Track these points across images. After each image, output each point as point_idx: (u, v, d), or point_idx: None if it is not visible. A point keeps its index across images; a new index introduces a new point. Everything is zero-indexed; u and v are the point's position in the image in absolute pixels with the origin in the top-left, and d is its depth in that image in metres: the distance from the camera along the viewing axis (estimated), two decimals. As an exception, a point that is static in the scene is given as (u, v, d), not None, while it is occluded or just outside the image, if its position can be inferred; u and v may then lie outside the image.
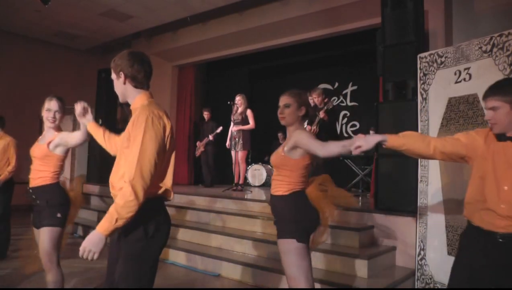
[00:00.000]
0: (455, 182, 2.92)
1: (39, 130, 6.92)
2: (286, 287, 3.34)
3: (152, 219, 1.64)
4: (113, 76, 1.81)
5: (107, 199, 5.91)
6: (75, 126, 6.83)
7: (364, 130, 7.39)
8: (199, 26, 6.92)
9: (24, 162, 7.50)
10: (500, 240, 1.64)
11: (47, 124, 2.54)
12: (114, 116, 7.50)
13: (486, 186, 1.70)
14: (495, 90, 1.71)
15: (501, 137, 1.71)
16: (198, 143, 7.18)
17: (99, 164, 6.79)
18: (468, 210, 1.80)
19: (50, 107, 2.51)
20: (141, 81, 1.77)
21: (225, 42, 7.00)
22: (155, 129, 1.62)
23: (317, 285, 3.16)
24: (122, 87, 1.79)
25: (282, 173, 2.13)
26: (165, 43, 7.66)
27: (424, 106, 3.26)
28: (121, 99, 1.85)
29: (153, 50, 7.81)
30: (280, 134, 8.08)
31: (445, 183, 3.02)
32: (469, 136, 1.81)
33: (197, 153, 7.18)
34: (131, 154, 1.58)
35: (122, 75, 1.75)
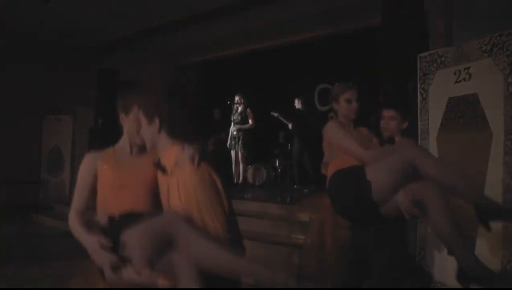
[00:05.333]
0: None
1: (40, 130, 6.90)
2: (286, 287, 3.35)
3: None
4: (143, 120, 1.27)
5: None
6: (75, 126, 6.81)
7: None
8: (199, 26, 6.92)
9: (25, 161, 7.50)
10: None
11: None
12: (114, 117, 7.48)
13: None
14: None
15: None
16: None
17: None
18: None
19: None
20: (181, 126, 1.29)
21: (225, 42, 7.00)
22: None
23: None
24: (154, 136, 1.27)
25: None
26: (165, 43, 7.65)
27: (424, 106, 3.26)
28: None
29: (154, 50, 7.81)
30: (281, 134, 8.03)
31: (445, 182, 3.02)
32: None
33: None
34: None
35: (157, 120, 1.24)
